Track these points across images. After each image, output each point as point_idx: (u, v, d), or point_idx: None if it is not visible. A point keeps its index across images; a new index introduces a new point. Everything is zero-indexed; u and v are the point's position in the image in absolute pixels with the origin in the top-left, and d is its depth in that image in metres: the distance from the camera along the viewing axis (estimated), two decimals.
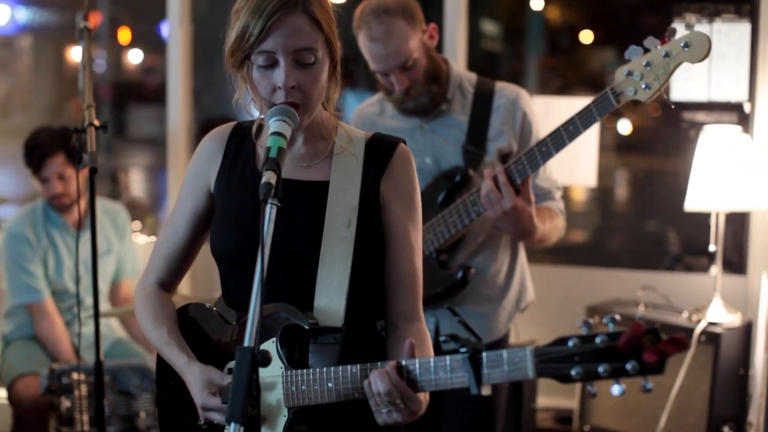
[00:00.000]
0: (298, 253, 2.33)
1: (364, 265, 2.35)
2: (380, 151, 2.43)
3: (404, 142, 2.47)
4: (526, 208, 3.38)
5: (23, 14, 8.24)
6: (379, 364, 2.16)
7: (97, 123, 3.40)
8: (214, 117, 6.43)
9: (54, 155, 4.66)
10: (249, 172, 2.43)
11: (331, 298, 2.30)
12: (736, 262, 5.02)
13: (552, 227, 3.61)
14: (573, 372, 1.92)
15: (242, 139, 2.49)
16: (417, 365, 2.13)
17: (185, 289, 5.32)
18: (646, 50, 3.12)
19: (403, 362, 2.14)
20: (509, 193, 3.34)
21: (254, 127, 2.46)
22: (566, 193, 3.78)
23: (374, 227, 2.39)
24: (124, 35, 7.91)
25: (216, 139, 2.52)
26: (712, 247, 4.42)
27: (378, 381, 2.12)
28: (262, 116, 2.36)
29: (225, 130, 2.53)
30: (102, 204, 4.89)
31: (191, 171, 2.54)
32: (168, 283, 2.58)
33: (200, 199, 2.51)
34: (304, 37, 2.27)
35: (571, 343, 1.92)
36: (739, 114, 4.91)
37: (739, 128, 4.46)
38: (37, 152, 4.67)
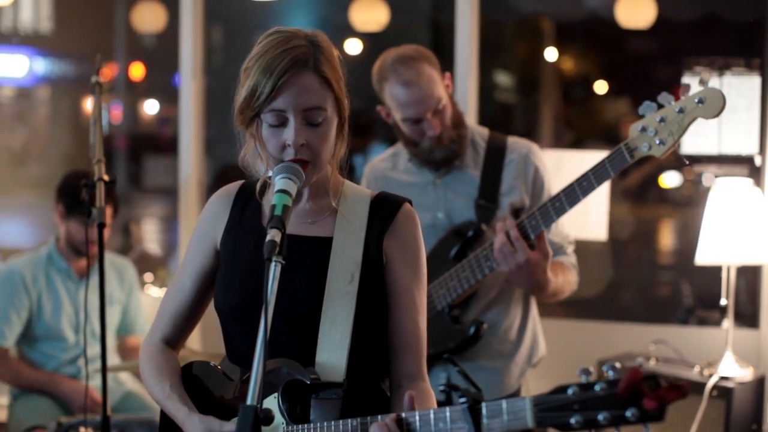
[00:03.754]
0: (300, 308, 2.34)
1: (366, 321, 2.36)
2: (385, 210, 2.44)
3: (410, 202, 2.48)
4: (541, 262, 3.37)
5: (41, 65, 8.32)
6: (379, 417, 2.16)
7: (106, 178, 3.43)
8: (231, 166, 6.46)
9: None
10: (255, 229, 2.45)
11: (332, 353, 2.31)
12: (749, 315, 4.99)
13: (564, 281, 3.60)
14: (573, 420, 1.90)
15: (249, 196, 2.51)
16: (417, 417, 2.12)
17: (195, 344, 5.32)
18: (660, 106, 3.13)
19: (403, 415, 2.13)
20: (522, 247, 3.34)
21: (258, 185, 2.48)
22: (577, 246, 3.77)
23: (377, 284, 2.39)
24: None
25: (223, 197, 2.55)
26: (723, 301, 4.40)
27: None
28: (268, 174, 2.39)
29: (232, 189, 2.56)
30: (110, 258, 4.89)
31: (198, 229, 2.56)
32: (173, 340, 2.59)
33: (207, 257, 2.53)
34: (314, 96, 2.29)
35: (570, 392, 1.91)
36: (749, 167, 4.91)
37: (750, 181, 4.45)
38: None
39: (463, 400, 2.04)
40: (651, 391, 1.84)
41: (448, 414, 2.08)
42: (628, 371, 1.85)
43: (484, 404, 2.02)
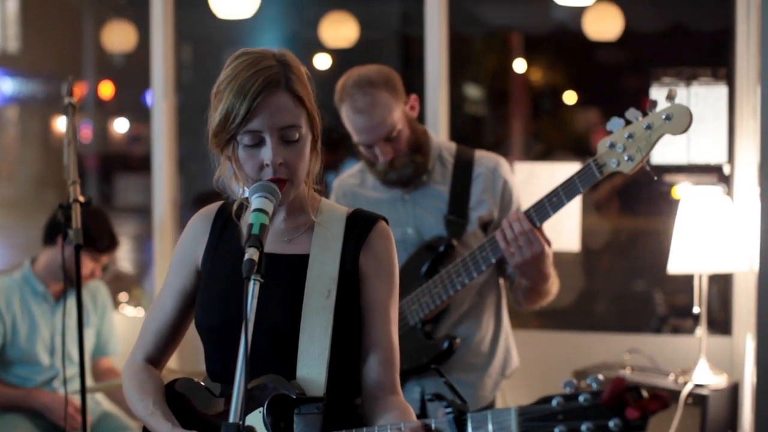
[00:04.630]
0: (279, 325, 2.36)
1: (344, 335, 2.39)
2: (360, 226, 2.47)
3: (385, 220, 2.51)
4: (549, 252, 3.40)
5: (9, 86, 8.30)
6: (364, 429, 2.19)
7: (81, 199, 3.44)
8: (208, 192, 6.47)
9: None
10: (233, 249, 2.48)
11: (312, 368, 2.33)
12: (722, 322, 5.03)
13: (554, 280, 3.62)
14: (557, 430, 1.92)
15: (228, 217, 2.54)
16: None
17: (173, 362, 5.30)
18: (628, 122, 3.16)
19: (389, 428, 2.16)
20: (538, 237, 3.35)
21: (234, 206, 2.50)
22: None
23: (353, 298, 2.42)
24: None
25: (203, 218, 2.58)
26: (696, 309, 4.44)
27: None
28: (245, 195, 2.41)
29: (212, 210, 2.58)
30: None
31: (179, 250, 2.59)
32: (156, 359, 2.61)
33: (188, 278, 2.55)
34: (289, 114, 2.32)
35: (554, 402, 1.94)
36: (718, 176, 4.96)
37: (720, 189, 4.49)
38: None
39: (448, 410, 2.07)
40: (634, 401, 1.87)
41: (433, 425, 2.11)
42: (613, 380, 1.88)
43: (469, 415, 2.05)
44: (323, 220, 2.47)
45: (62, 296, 3.76)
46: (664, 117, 3.11)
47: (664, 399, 1.86)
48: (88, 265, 4.69)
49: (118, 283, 5.31)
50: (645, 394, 1.87)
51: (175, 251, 2.60)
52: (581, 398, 1.91)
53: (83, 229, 4.11)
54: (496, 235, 3.40)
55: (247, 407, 2.18)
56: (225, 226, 2.53)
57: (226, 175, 2.42)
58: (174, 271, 2.58)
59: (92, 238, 4.61)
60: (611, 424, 1.88)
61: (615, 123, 3.18)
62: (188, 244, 2.57)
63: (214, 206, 2.59)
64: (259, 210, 2.23)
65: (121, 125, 8.70)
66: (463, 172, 3.67)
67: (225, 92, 2.31)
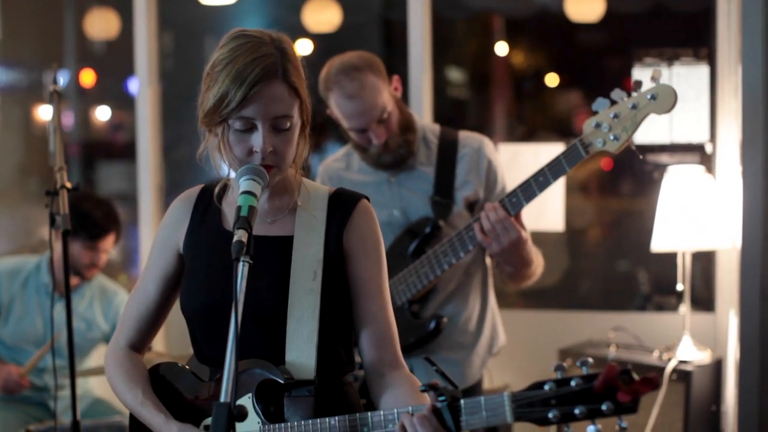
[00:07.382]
0: (266, 309, 2.37)
1: (331, 317, 2.40)
2: (342, 205, 2.48)
3: (367, 199, 2.52)
4: (528, 237, 3.43)
5: None
6: (378, 412, 2.21)
7: (68, 185, 3.44)
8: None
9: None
10: (216, 231, 2.48)
11: (301, 351, 2.34)
12: (705, 299, 5.07)
13: (538, 262, 3.65)
14: (550, 415, 1.96)
15: (209, 199, 2.54)
16: (396, 414, 2.18)
17: (159, 345, 5.31)
18: (613, 102, 3.18)
19: (396, 412, 2.18)
20: (513, 224, 3.38)
21: (218, 188, 2.51)
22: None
23: (339, 279, 2.43)
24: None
25: (184, 201, 2.58)
26: (679, 287, 4.48)
27: (419, 426, 2.12)
28: (228, 177, 2.42)
29: (193, 193, 2.58)
30: (101, 281, 4.89)
31: (161, 234, 2.58)
32: (138, 344, 2.61)
33: (170, 261, 2.55)
34: (283, 105, 2.32)
35: (547, 387, 1.97)
36: (701, 155, 4.99)
37: (701, 168, 4.53)
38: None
39: (441, 398, 2.09)
40: (625, 385, 1.90)
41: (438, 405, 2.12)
42: (605, 369, 1.92)
43: (462, 401, 2.08)
44: (306, 201, 2.48)
45: (64, 293, 3.75)
46: (649, 97, 3.13)
47: (654, 381, 1.90)
48: (84, 254, 4.67)
49: (104, 270, 5.29)
50: (635, 377, 1.91)
51: (156, 235, 2.60)
52: (573, 383, 1.95)
53: (75, 217, 4.12)
54: (474, 226, 3.43)
55: (236, 393, 2.20)
56: (207, 209, 2.53)
57: (211, 148, 2.41)
58: (155, 255, 2.57)
59: (83, 225, 4.60)
60: (604, 407, 1.93)
61: (600, 103, 3.20)
62: (169, 228, 2.57)
63: (195, 189, 2.59)
64: (247, 192, 2.24)
65: (103, 113, 8.66)
66: (447, 153, 3.69)
67: (221, 75, 2.30)
